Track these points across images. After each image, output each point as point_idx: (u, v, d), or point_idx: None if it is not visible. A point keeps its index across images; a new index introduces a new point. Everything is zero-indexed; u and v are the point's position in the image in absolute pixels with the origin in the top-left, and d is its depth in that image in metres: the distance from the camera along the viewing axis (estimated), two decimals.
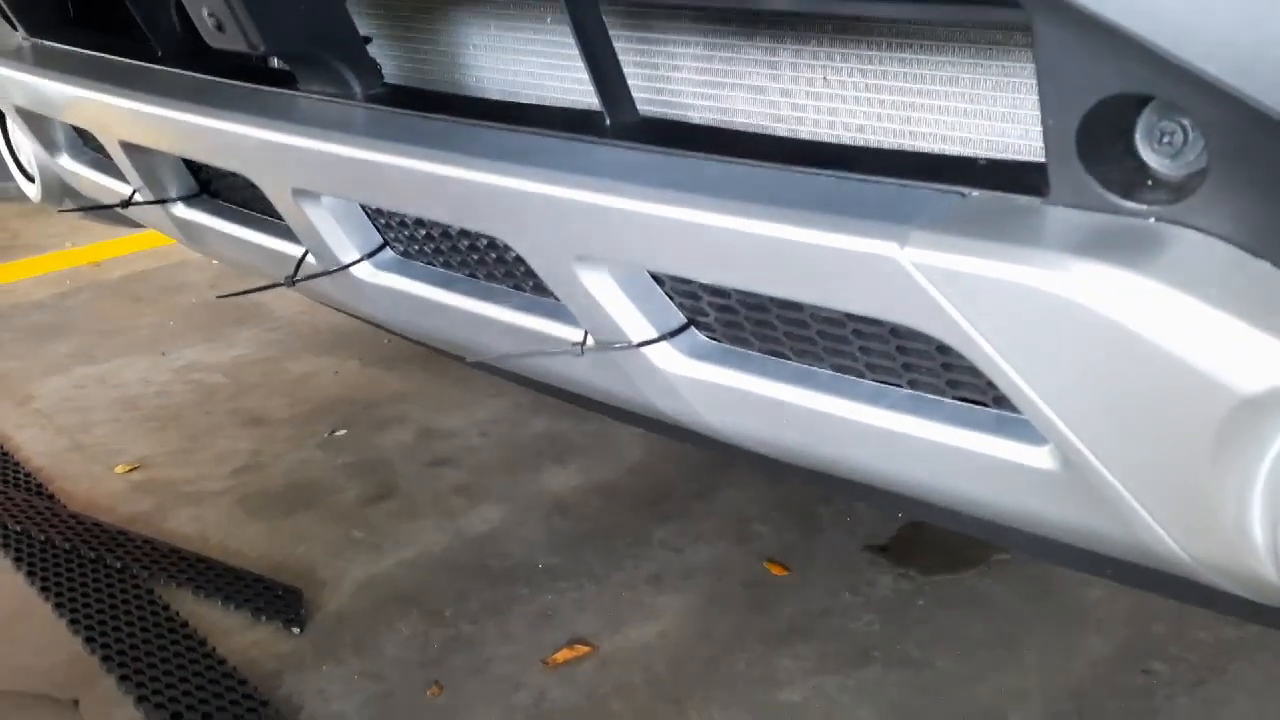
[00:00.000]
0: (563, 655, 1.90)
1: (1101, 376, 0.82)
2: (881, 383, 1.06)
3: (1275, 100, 0.69)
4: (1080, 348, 0.81)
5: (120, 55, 1.66)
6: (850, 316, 1.02)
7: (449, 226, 1.33)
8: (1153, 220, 0.79)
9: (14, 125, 2.11)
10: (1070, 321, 0.79)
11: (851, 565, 2.09)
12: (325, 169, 1.30)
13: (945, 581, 2.04)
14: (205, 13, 1.27)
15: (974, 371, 0.92)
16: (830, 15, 1.03)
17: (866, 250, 0.86)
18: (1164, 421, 0.82)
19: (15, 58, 1.77)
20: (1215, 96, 0.71)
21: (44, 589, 2.08)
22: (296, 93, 1.40)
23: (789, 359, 1.12)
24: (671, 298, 1.16)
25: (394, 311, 1.52)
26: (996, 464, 0.97)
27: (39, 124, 1.92)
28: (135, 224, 2.23)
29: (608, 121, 1.12)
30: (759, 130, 1.12)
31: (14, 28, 1.84)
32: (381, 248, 1.46)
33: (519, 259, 1.22)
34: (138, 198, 1.80)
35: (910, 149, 1.03)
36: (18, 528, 2.24)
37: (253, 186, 1.47)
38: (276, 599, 2.05)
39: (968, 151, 0.99)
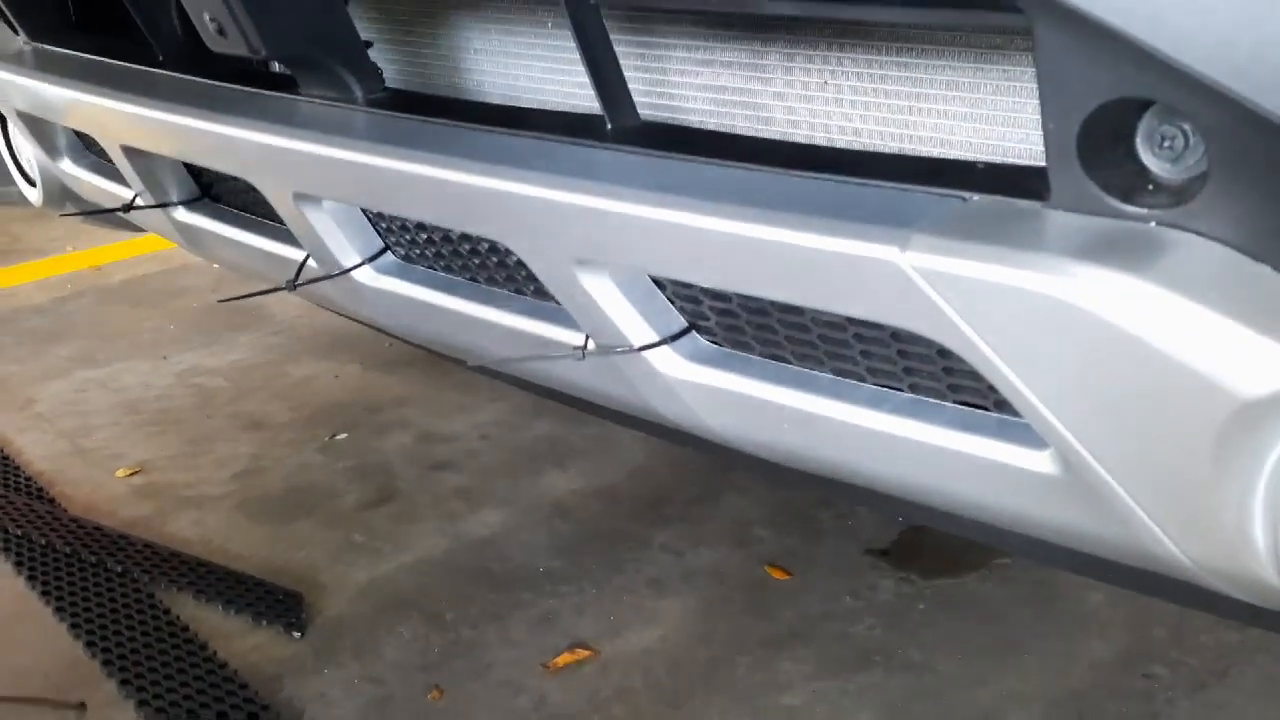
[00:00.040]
0: (563, 659, 1.90)
1: (1102, 380, 0.82)
2: (882, 387, 1.06)
3: (1275, 104, 0.69)
4: (1081, 352, 0.81)
5: (121, 59, 1.66)
6: (851, 321, 1.02)
7: (450, 231, 1.33)
8: (1153, 224, 0.79)
9: (15, 129, 2.11)
10: (1071, 325, 0.79)
11: (852, 569, 2.09)
12: (326, 173, 1.30)
13: (946, 585, 2.04)
14: (206, 17, 1.27)
15: (975, 375, 0.92)
16: (831, 19, 1.03)
17: (867, 254, 0.86)
18: (1165, 425, 0.82)
19: (16, 62, 1.78)
20: (1215, 100, 0.71)
21: (45, 593, 2.08)
22: (298, 97, 1.40)
23: (790, 363, 1.12)
24: (672, 302, 1.16)
25: (395, 315, 1.52)
26: (997, 468, 0.97)
27: (40, 128, 1.92)
28: (136, 228, 2.23)
29: (609, 125, 1.12)
30: (760, 134, 1.12)
31: (15, 32, 1.84)
32: (383, 252, 1.46)
33: (520, 263, 1.22)
34: (139, 202, 1.80)
35: (911, 153, 1.03)
36: (18, 531, 2.24)
37: (254, 191, 1.47)
38: (277, 603, 2.05)
39: (968, 155, 0.99)
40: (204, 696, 1.80)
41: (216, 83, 1.49)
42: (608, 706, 1.80)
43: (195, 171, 1.75)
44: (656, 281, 1.14)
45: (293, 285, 1.54)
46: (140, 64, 1.63)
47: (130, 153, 1.66)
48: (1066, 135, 0.79)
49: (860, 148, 1.06)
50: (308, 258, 1.52)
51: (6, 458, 2.59)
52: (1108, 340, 0.78)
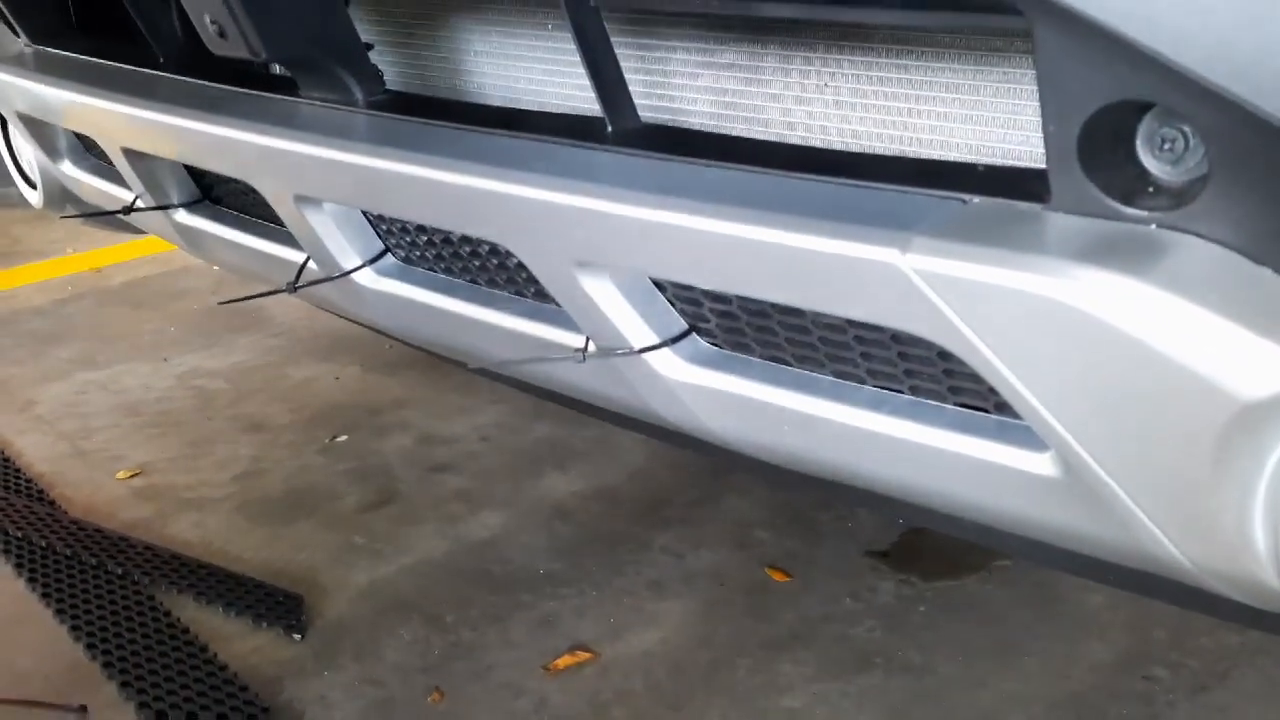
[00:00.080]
0: (564, 661, 1.90)
1: (1103, 382, 0.82)
2: (883, 389, 1.06)
3: (1276, 106, 0.69)
4: (1081, 354, 0.81)
5: (122, 61, 1.66)
6: (851, 323, 1.02)
7: (451, 232, 1.33)
8: (1154, 226, 0.79)
9: (16, 131, 2.12)
10: (1071, 327, 0.79)
11: (853, 571, 2.09)
12: (327, 175, 1.30)
13: (947, 587, 2.04)
14: (207, 19, 1.27)
15: (975, 377, 0.92)
16: (831, 22, 1.03)
17: (868, 256, 0.86)
18: (1165, 427, 0.82)
19: (17, 64, 1.78)
20: (1215, 103, 0.71)
21: (45, 595, 2.08)
22: (298, 99, 1.40)
23: (790, 365, 1.12)
24: (673, 304, 1.16)
25: (395, 317, 1.52)
26: (998, 470, 0.97)
27: (41, 130, 1.93)
28: (137, 230, 2.23)
29: (609, 127, 1.12)
30: (760, 136, 1.12)
31: (16, 34, 1.84)
32: (383, 254, 1.46)
33: (520, 265, 1.22)
34: (139, 204, 1.80)
35: (911, 155, 1.03)
36: (18, 534, 2.24)
37: (254, 193, 1.47)
38: (277, 605, 2.05)
39: (969, 158, 0.99)
40: (204, 699, 1.80)
41: (217, 85, 1.49)
42: (608, 709, 1.80)
43: (196, 174, 1.75)
44: (657, 283, 1.14)
45: (293, 287, 1.55)
46: (141, 66, 1.63)
47: (131, 155, 1.66)
48: (1067, 137, 0.79)
49: (860, 150, 1.06)
50: (308, 260, 1.52)
51: (7, 460, 2.59)
52: (1108, 342, 0.78)
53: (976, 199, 0.87)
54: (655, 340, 1.15)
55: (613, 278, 1.12)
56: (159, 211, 1.78)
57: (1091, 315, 0.78)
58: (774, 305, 1.06)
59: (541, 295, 1.30)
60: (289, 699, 1.85)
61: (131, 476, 2.53)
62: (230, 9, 1.23)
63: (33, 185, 2.28)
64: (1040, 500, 0.97)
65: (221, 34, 1.27)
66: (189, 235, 1.81)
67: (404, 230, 1.42)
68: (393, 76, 1.43)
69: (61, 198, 2.23)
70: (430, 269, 1.44)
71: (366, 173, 1.23)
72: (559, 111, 1.29)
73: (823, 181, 0.96)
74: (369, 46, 1.36)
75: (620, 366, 1.20)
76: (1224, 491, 0.83)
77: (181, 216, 1.78)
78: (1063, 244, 0.80)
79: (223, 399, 2.88)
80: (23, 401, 2.91)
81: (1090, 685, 1.79)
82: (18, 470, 2.55)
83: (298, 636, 1.98)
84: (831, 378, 1.09)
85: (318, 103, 1.38)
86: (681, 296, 1.15)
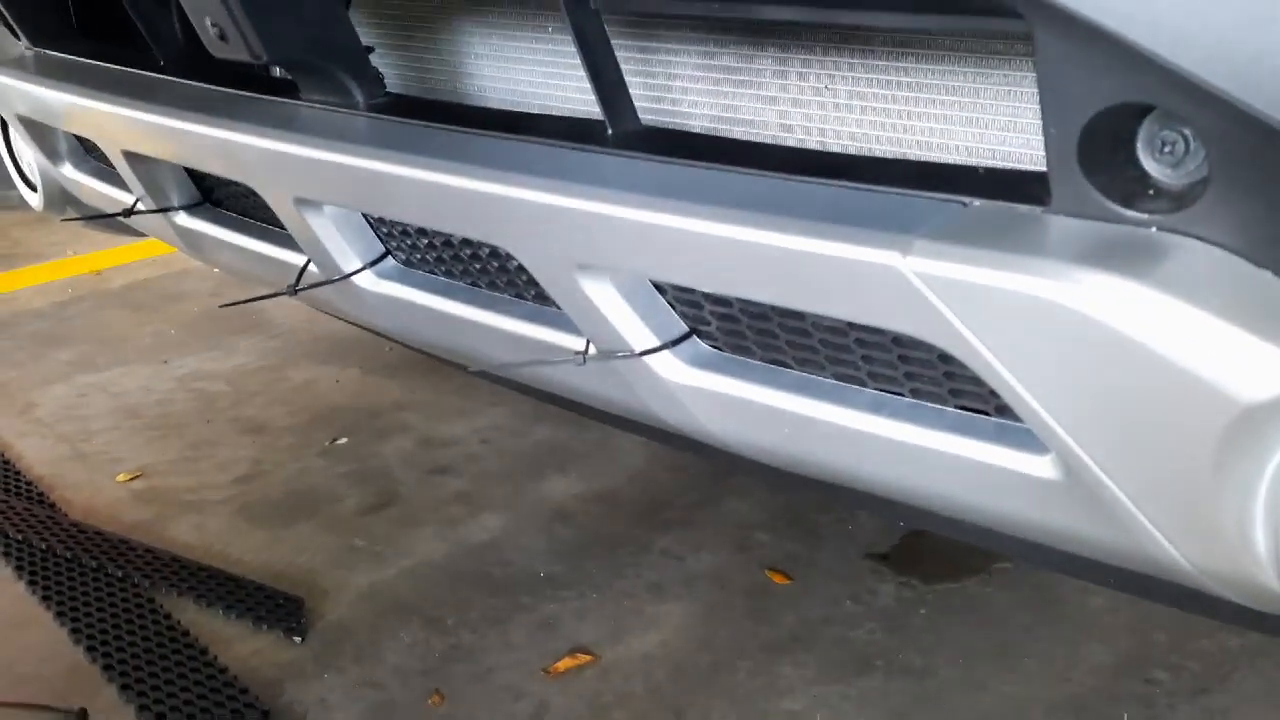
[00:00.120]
0: (564, 664, 1.90)
1: (1103, 385, 0.82)
2: (883, 391, 1.06)
3: (1276, 109, 0.69)
4: (1082, 357, 0.81)
5: (123, 64, 1.66)
6: (852, 325, 1.02)
7: (451, 235, 1.33)
8: (1154, 229, 0.79)
9: (16, 134, 2.12)
10: (1072, 330, 0.79)
11: (853, 574, 2.09)
12: (328, 178, 1.30)
13: (947, 590, 2.04)
14: (208, 22, 1.27)
15: (976, 380, 0.92)
16: (831, 25, 1.03)
17: (869, 259, 0.86)
18: (1166, 430, 0.82)
19: (18, 67, 1.78)
20: (1216, 105, 0.71)
21: (45, 598, 2.08)
22: (299, 102, 1.40)
23: (791, 368, 1.12)
24: (673, 306, 1.16)
25: (396, 320, 1.52)
26: (998, 472, 0.97)
27: (41, 133, 1.93)
28: (137, 233, 2.23)
29: (609, 130, 1.12)
30: (761, 140, 1.13)
31: (17, 37, 1.84)
32: (384, 256, 1.46)
33: (521, 268, 1.22)
34: (140, 207, 1.80)
35: (912, 158, 1.03)
36: (19, 536, 2.24)
37: (255, 195, 1.47)
38: (278, 607, 2.05)
39: (969, 160, 0.99)
40: (204, 701, 1.80)
41: (218, 88, 1.50)
42: (608, 711, 1.80)
43: (196, 176, 1.75)
44: (657, 286, 1.14)
45: (294, 290, 1.55)
46: (141, 69, 1.63)
47: (131, 157, 1.66)
48: (1067, 140, 0.79)
49: (861, 153, 1.06)
50: (309, 262, 1.52)
51: (7, 462, 2.59)
52: (1109, 345, 0.78)
53: (977, 202, 0.87)
54: (656, 343, 1.15)
55: (613, 280, 1.12)
56: (159, 214, 1.78)
57: (1092, 318, 0.78)
58: (774, 308, 1.07)
59: (542, 298, 1.30)
60: (289, 701, 1.85)
61: (132, 479, 2.53)
62: (231, 12, 1.23)
63: (33, 188, 2.28)
64: (1041, 503, 0.97)
65: (222, 37, 1.27)
66: (189, 238, 1.81)
67: (405, 233, 1.42)
68: (393, 79, 1.43)
69: (62, 200, 2.23)
70: (431, 272, 1.44)
71: (367, 176, 1.23)
72: (559, 114, 1.29)
73: (823, 184, 0.96)
74: (369, 49, 1.36)
75: (621, 369, 1.20)
76: (1224, 494, 0.83)
77: (182, 219, 1.78)
78: (1063, 247, 0.80)
79: (223, 401, 2.88)
80: (23, 404, 2.91)
81: (1091, 688, 1.79)
82: (18, 473, 2.55)
83: (298, 639, 1.98)
84: (832, 380, 1.09)
85: (318, 105, 1.38)
86: (682, 299, 1.15)
